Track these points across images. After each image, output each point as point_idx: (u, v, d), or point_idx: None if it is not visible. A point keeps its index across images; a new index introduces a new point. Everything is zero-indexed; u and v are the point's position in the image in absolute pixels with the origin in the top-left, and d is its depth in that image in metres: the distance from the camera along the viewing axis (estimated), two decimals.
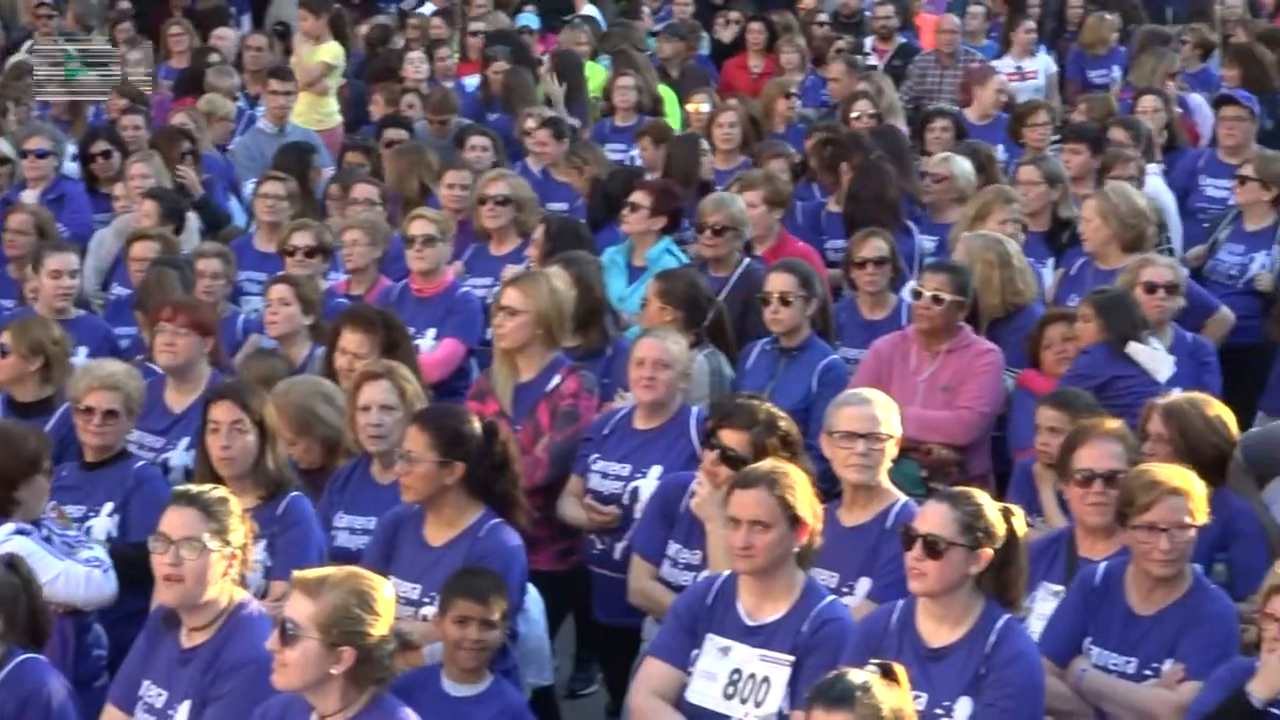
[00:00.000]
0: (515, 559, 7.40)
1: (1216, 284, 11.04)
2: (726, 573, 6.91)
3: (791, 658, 6.56)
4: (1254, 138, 13.25)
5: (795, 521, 6.68)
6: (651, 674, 6.84)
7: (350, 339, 9.04)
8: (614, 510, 8.47)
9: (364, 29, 19.74)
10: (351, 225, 11.27)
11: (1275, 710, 6.25)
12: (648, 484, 8.40)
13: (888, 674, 5.53)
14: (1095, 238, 10.83)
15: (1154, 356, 9.34)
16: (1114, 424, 7.56)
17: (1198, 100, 15.15)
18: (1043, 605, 7.30)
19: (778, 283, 9.70)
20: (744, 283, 10.59)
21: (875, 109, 14.49)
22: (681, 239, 11.61)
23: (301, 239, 11.06)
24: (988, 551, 6.41)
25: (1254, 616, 6.57)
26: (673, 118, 15.92)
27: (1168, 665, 6.83)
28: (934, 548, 6.37)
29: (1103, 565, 7.06)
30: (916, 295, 9.48)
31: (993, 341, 9.65)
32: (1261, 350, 10.23)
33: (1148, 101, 13.94)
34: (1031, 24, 17.97)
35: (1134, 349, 9.33)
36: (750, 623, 6.72)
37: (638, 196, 11.39)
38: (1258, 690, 6.26)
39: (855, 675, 5.48)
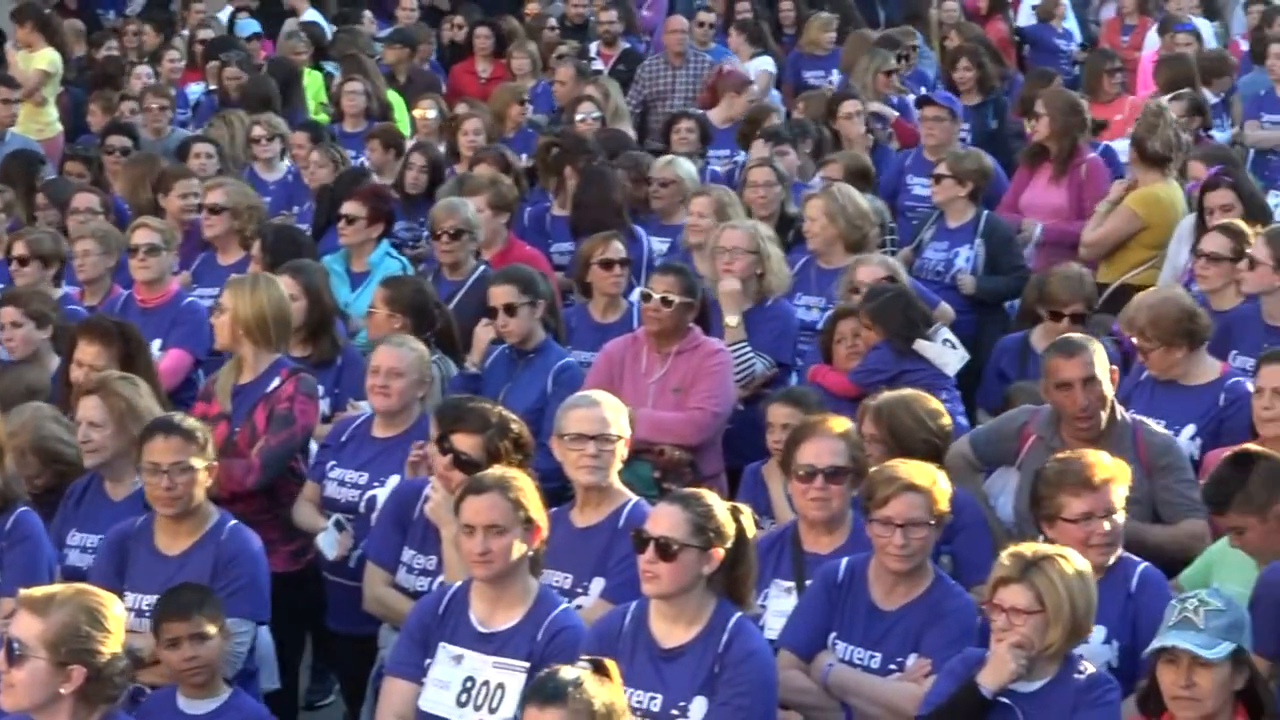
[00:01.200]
0: (261, 560, 7.43)
1: (925, 281, 11.25)
2: (459, 583, 6.91)
3: (527, 664, 6.58)
4: (957, 137, 13.51)
5: (529, 525, 6.71)
6: (391, 693, 6.83)
7: (86, 351, 8.89)
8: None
9: (80, 35, 19.39)
10: (83, 235, 11.07)
11: (1005, 700, 6.37)
12: (385, 493, 8.36)
13: (599, 669, 5.58)
14: (821, 236, 10.98)
15: (942, 352, 9.47)
16: (838, 421, 7.66)
17: (911, 100, 15.43)
18: (776, 602, 7.38)
19: (500, 295, 9.69)
20: (479, 288, 10.59)
21: (600, 112, 14.58)
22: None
23: (18, 248, 10.85)
24: (719, 551, 6.47)
25: (983, 608, 6.70)
26: (401, 123, 15.87)
27: (912, 659, 6.93)
28: (667, 550, 6.41)
29: (845, 561, 7.14)
30: (646, 298, 9.54)
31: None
32: (974, 345, 10.46)
33: (848, 105, 14.14)
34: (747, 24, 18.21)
35: (921, 346, 9.47)
36: (483, 630, 6.72)
37: (351, 208, 11.36)
38: (987, 680, 6.38)
39: (567, 672, 5.54)
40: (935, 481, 7.00)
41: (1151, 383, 8.85)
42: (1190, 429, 8.63)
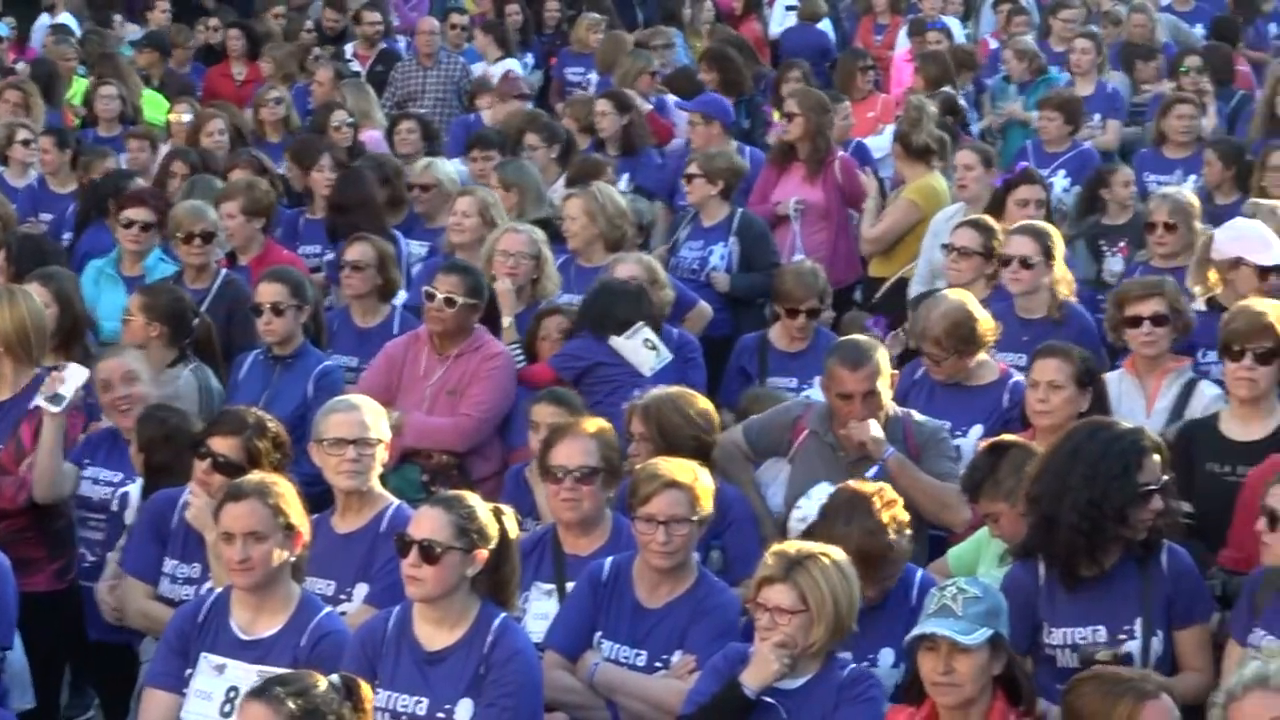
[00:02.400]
0: (7, 578, 7.22)
1: (682, 280, 11.29)
2: (219, 590, 6.83)
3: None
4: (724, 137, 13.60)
5: (289, 531, 6.64)
6: (151, 705, 6.73)
7: None
8: None
9: None
10: None
11: (768, 698, 6.41)
12: (137, 489, 8.26)
13: (350, 690, 5.63)
14: (582, 235, 11.00)
15: (637, 350, 9.52)
16: (594, 423, 7.67)
17: (673, 99, 15.52)
18: (537, 604, 7.37)
19: (268, 293, 9.59)
20: (225, 293, 10.47)
21: (352, 116, 14.48)
22: None
23: None
24: (482, 553, 6.46)
25: (747, 606, 6.74)
26: (156, 125, 15.63)
27: (677, 656, 6.97)
28: (430, 553, 6.38)
29: (610, 560, 7.16)
30: (429, 297, 9.48)
31: None
32: (729, 343, 10.55)
33: (602, 104, 14.18)
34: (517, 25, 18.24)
35: (616, 343, 9.52)
36: (245, 638, 6.64)
37: (137, 213, 11.14)
38: (750, 680, 6.41)
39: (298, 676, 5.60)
40: (697, 478, 7.04)
41: (930, 384, 8.96)
42: (978, 429, 8.74)
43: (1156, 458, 6.85)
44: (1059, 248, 9.82)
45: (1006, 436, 7.59)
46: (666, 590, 7.05)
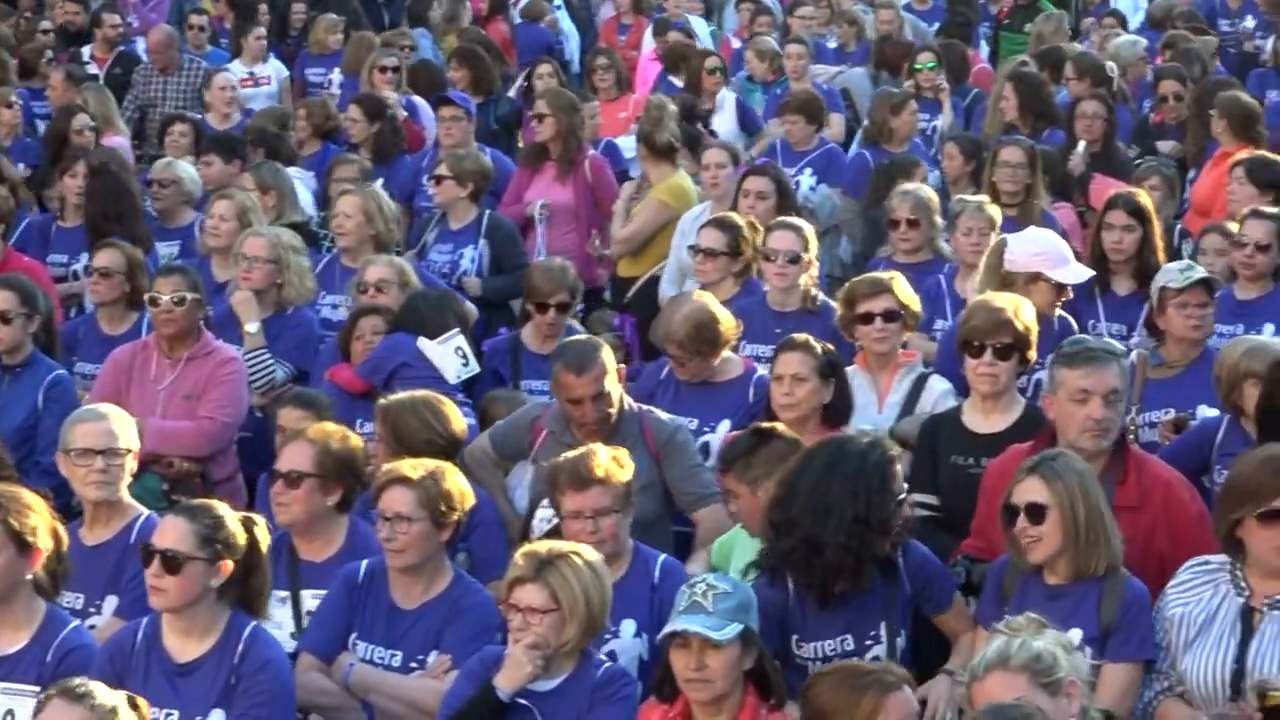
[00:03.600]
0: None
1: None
2: None
3: (37, 688, 6.36)
4: (473, 136, 13.59)
5: (25, 547, 6.51)
6: None
7: None
8: None
9: None
10: None
11: (522, 700, 6.42)
12: None
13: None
14: (356, 234, 10.93)
15: (444, 356, 9.48)
16: (318, 428, 7.69)
17: (422, 101, 15.47)
18: (280, 613, 7.30)
19: None
20: None
21: (94, 120, 14.23)
22: None
23: None
24: (228, 564, 6.41)
25: (500, 607, 6.75)
26: None
27: (433, 657, 6.97)
28: (173, 562, 6.32)
29: (365, 563, 7.15)
30: (153, 302, 9.36)
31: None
32: (479, 345, 10.55)
33: (353, 111, 14.10)
34: (262, 30, 18.02)
35: (424, 344, 9.48)
36: None
37: None
38: (503, 683, 6.41)
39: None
40: (434, 478, 7.04)
41: (675, 383, 9.01)
42: (725, 424, 8.81)
43: (900, 466, 6.98)
44: (813, 243, 9.95)
45: (777, 425, 7.64)
46: (421, 591, 7.04)
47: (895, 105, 13.92)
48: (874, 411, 8.59)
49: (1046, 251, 9.43)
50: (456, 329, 9.60)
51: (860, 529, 6.72)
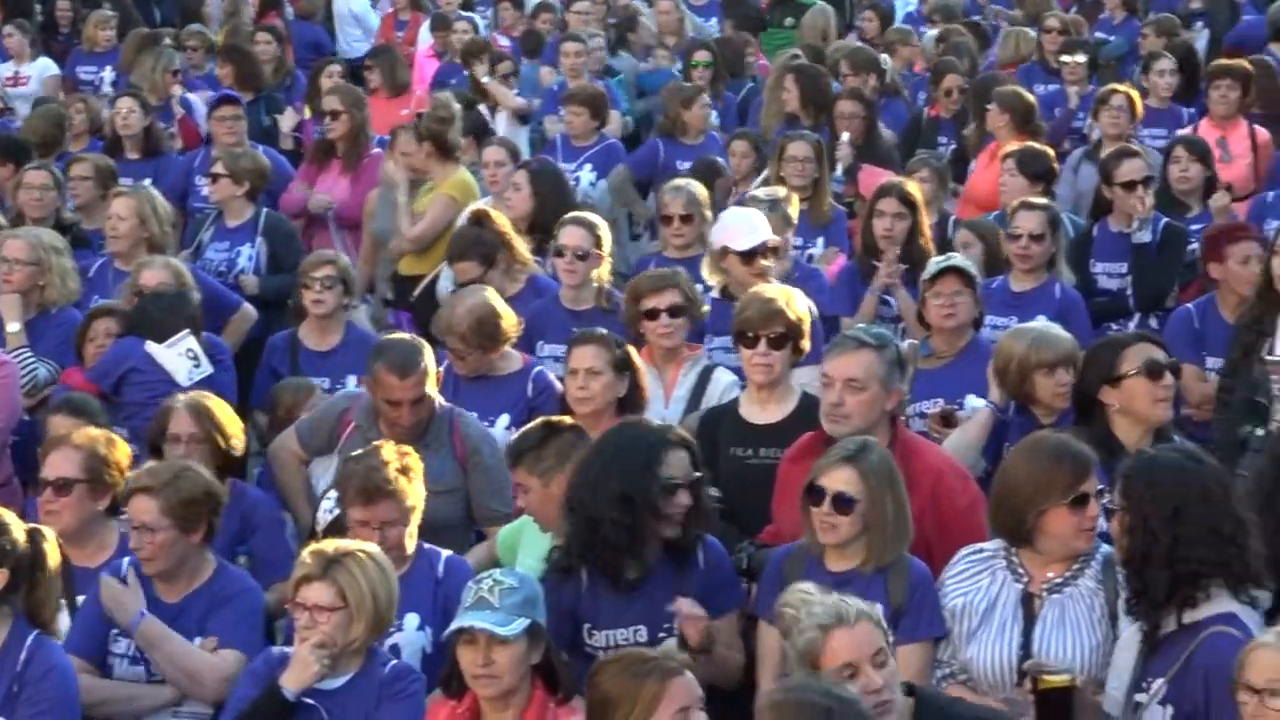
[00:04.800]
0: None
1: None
2: None
3: None
4: (248, 134, 13.48)
5: None
6: None
7: None
8: None
9: None
10: None
11: (309, 700, 6.39)
12: None
13: None
14: (130, 236, 10.79)
15: (172, 359, 9.41)
16: (83, 433, 7.64)
17: (196, 99, 15.32)
18: (65, 621, 7.22)
19: None
20: None
21: None
22: None
23: None
24: (4, 572, 6.33)
25: (286, 606, 6.73)
26: None
27: (198, 643, 6.98)
28: None
29: (127, 560, 7.13)
30: None
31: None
32: (261, 344, 10.47)
33: (122, 103, 13.91)
34: (11, 29, 17.72)
35: (152, 348, 9.40)
36: None
37: None
38: (289, 682, 6.39)
39: None
40: (172, 484, 7.02)
41: (454, 377, 9.02)
42: (505, 419, 8.85)
43: (684, 454, 7.02)
44: (607, 239, 9.99)
45: (565, 419, 7.69)
46: (184, 585, 7.07)
47: (686, 99, 14.03)
48: (660, 405, 8.65)
49: (729, 225, 9.82)
50: (187, 330, 9.51)
51: (629, 506, 6.81)
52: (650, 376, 8.75)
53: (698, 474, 7.02)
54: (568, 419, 7.68)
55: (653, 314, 8.87)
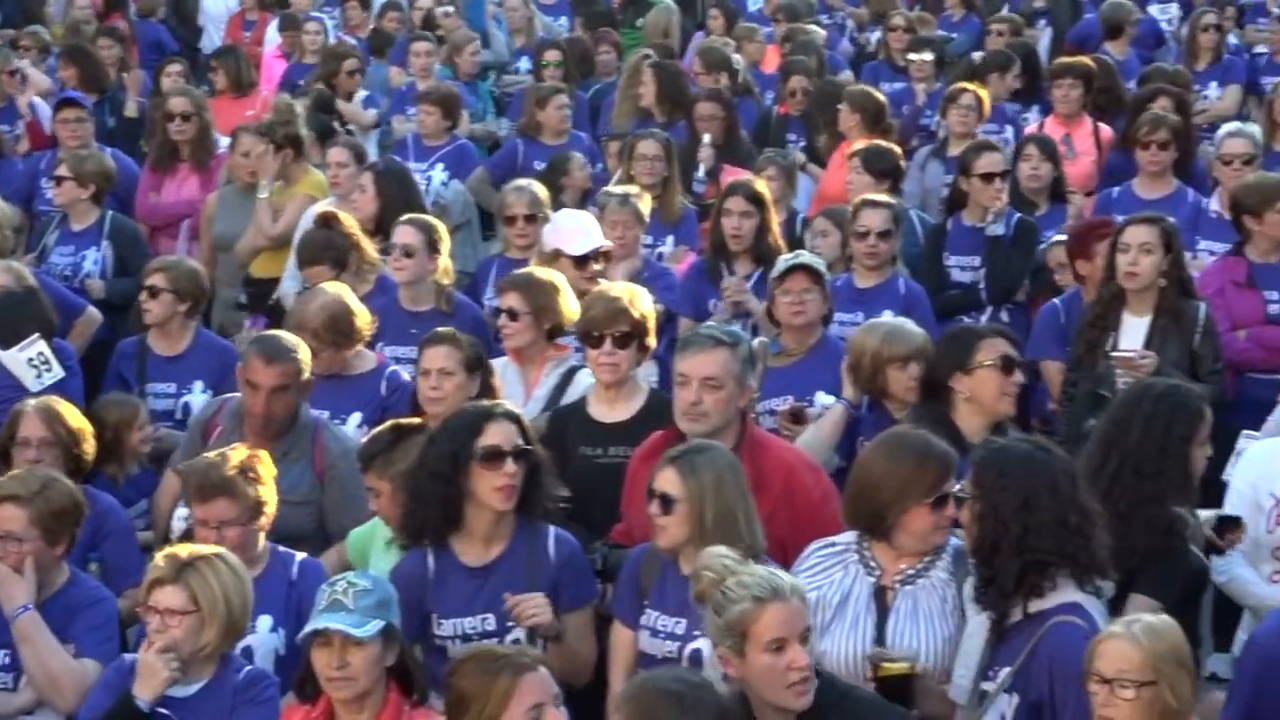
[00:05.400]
0: None
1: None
2: None
3: None
4: (94, 136, 13.33)
5: None
6: None
7: None
8: None
9: None
10: None
11: (163, 710, 6.35)
12: None
13: None
14: None
15: (18, 364, 9.31)
16: None
17: (40, 100, 15.11)
18: None
19: None
20: None
21: None
22: None
23: None
24: None
25: (138, 610, 6.67)
26: None
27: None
28: None
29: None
30: None
31: None
32: (109, 348, 10.37)
33: None
34: None
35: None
36: None
37: None
38: (141, 691, 6.34)
39: None
40: (41, 494, 6.99)
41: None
42: (357, 417, 8.84)
43: (510, 426, 7.02)
44: (444, 240, 9.97)
45: (414, 420, 7.68)
46: (39, 593, 7.00)
47: (541, 99, 14.02)
48: (520, 405, 8.64)
49: (562, 228, 9.93)
50: (36, 335, 9.41)
51: (448, 474, 6.89)
52: (513, 375, 8.79)
53: (527, 446, 7.02)
54: (416, 420, 7.69)
55: (513, 315, 8.85)
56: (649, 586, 6.85)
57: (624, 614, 6.93)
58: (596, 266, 9.72)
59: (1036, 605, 6.16)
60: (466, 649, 6.33)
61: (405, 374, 8.93)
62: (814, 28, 17.82)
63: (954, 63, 17.04)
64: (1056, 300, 10.23)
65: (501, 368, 8.80)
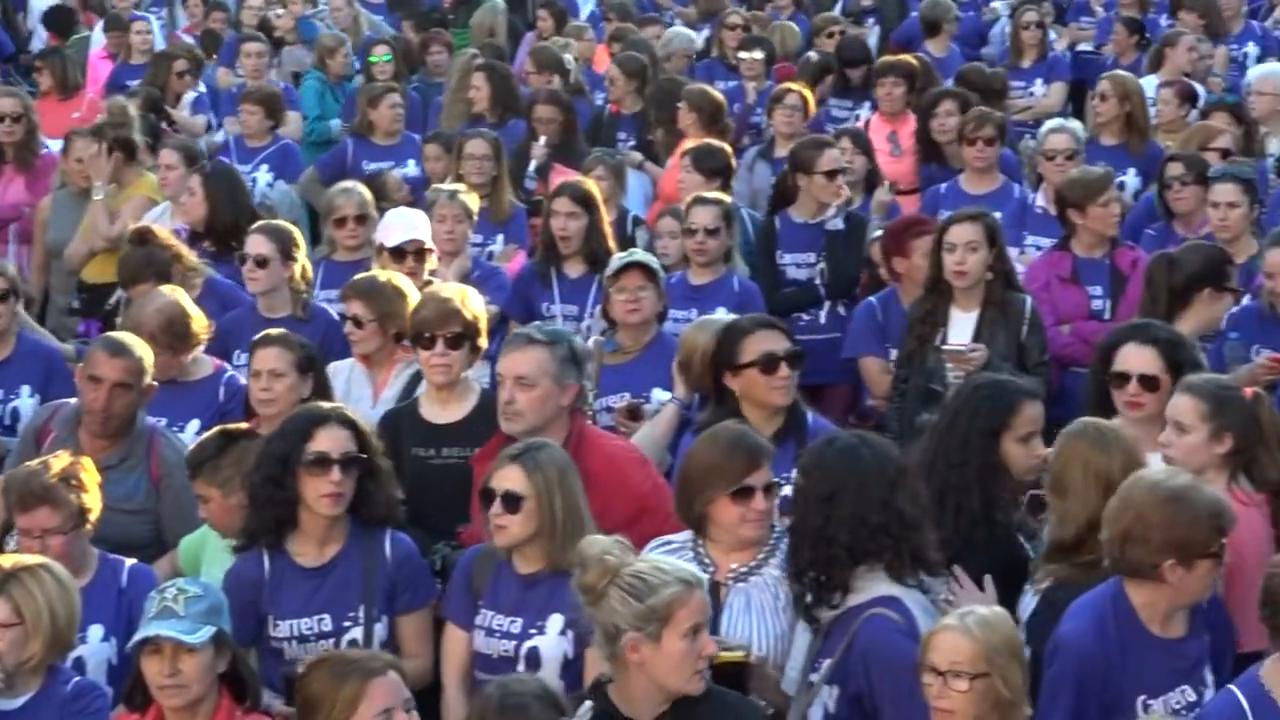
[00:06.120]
0: None
1: None
2: None
3: None
4: None
5: None
6: None
7: None
8: None
9: None
10: None
11: None
12: None
13: None
14: None
15: None
16: None
17: None
18: None
19: None
20: None
21: None
22: None
23: None
24: None
25: None
26: None
27: None
28: None
29: None
30: None
31: None
32: None
33: None
34: None
35: None
36: None
37: None
38: None
39: None
40: None
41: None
42: (195, 424, 8.73)
43: (343, 432, 7.00)
44: (300, 246, 9.89)
45: (241, 425, 7.63)
46: None
47: (373, 98, 13.94)
48: (368, 405, 8.60)
49: (389, 224, 10.04)
50: None
51: (278, 478, 6.89)
52: (361, 377, 8.77)
53: (361, 455, 6.99)
54: (244, 426, 7.65)
55: (357, 322, 8.82)
56: (483, 587, 6.85)
57: (457, 615, 6.92)
58: (415, 263, 9.70)
59: (855, 599, 6.23)
60: (318, 653, 6.31)
61: (244, 379, 8.85)
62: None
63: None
64: (872, 298, 10.32)
65: (349, 369, 8.78)
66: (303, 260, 9.88)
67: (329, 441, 6.94)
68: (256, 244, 9.77)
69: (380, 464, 7.11)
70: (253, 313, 9.76)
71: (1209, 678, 6.32)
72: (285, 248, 9.78)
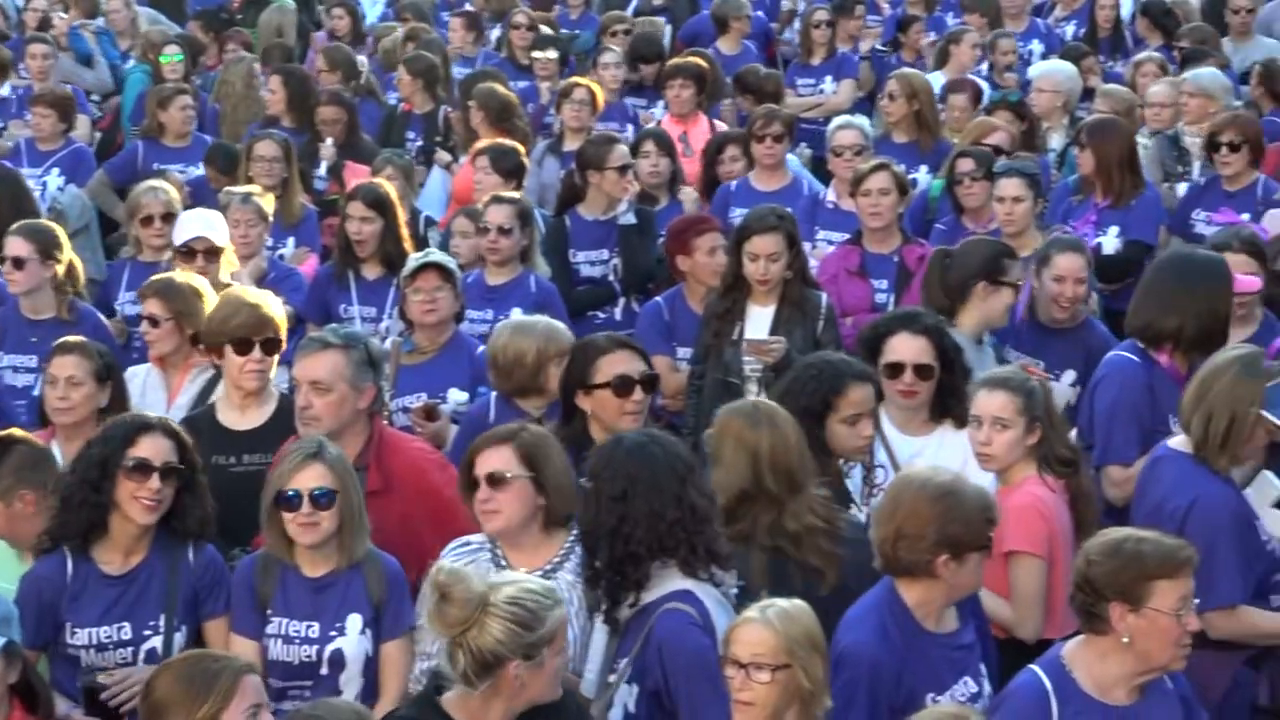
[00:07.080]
0: None
1: None
2: None
3: None
4: None
5: None
6: None
7: None
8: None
9: None
10: None
11: None
12: None
13: None
14: None
15: None
16: None
17: None
18: None
19: None
20: None
21: None
22: None
23: None
24: None
25: None
26: None
27: None
28: None
29: None
30: None
31: None
32: None
33: None
34: None
35: None
36: None
37: None
38: None
39: None
40: None
41: None
42: None
43: (165, 441, 6.92)
44: (62, 245, 9.73)
45: (16, 432, 7.52)
46: None
47: (164, 99, 13.73)
48: (163, 409, 8.47)
49: (180, 224, 10.02)
50: None
51: (97, 484, 6.81)
52: (155, 382, 8.69)
53: (180, 465, 6.93)
54: (18, 432, 7.52)
55: (153, 321, 8.72)
56: (269, 595, 6.82)
57: (244, 627, 6.88)
58: (205, 262, 9.64)
59: (648, 596, 6.28)
60: (174, 657, 6.20)
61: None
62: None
63: (581, 59, 17.15)
64: (658, 298, 10.40)
65: (143, 374, 8.70)
66: (68, 260, 9.72)
67: (151, 449, 6.88)
68: (13, 245, 9.62)
69: (200, 479, 7.05)
70: (16, 313, 9.64)
71: (983, 668, 6.44)
72: (45, 248, 9.61)
